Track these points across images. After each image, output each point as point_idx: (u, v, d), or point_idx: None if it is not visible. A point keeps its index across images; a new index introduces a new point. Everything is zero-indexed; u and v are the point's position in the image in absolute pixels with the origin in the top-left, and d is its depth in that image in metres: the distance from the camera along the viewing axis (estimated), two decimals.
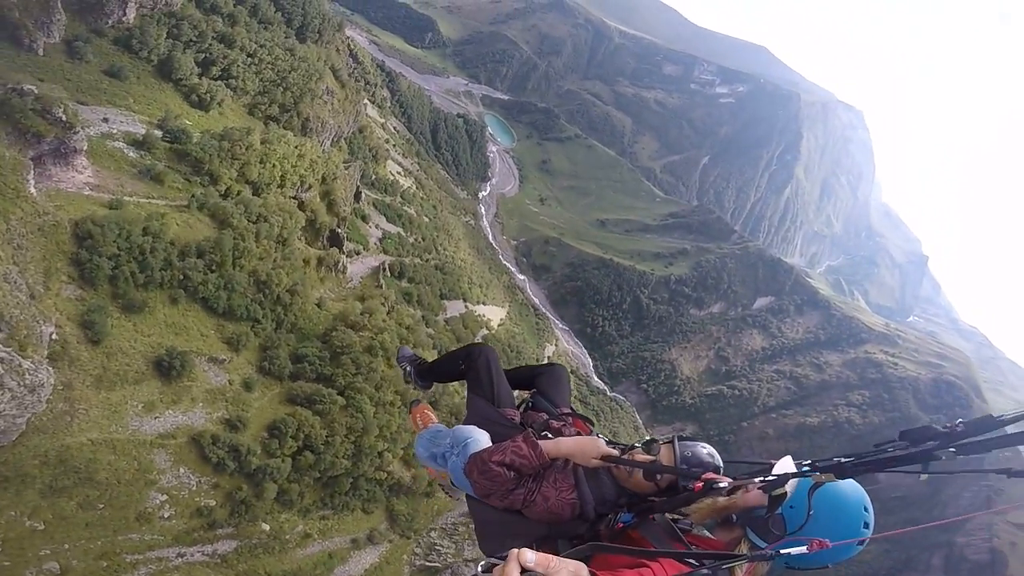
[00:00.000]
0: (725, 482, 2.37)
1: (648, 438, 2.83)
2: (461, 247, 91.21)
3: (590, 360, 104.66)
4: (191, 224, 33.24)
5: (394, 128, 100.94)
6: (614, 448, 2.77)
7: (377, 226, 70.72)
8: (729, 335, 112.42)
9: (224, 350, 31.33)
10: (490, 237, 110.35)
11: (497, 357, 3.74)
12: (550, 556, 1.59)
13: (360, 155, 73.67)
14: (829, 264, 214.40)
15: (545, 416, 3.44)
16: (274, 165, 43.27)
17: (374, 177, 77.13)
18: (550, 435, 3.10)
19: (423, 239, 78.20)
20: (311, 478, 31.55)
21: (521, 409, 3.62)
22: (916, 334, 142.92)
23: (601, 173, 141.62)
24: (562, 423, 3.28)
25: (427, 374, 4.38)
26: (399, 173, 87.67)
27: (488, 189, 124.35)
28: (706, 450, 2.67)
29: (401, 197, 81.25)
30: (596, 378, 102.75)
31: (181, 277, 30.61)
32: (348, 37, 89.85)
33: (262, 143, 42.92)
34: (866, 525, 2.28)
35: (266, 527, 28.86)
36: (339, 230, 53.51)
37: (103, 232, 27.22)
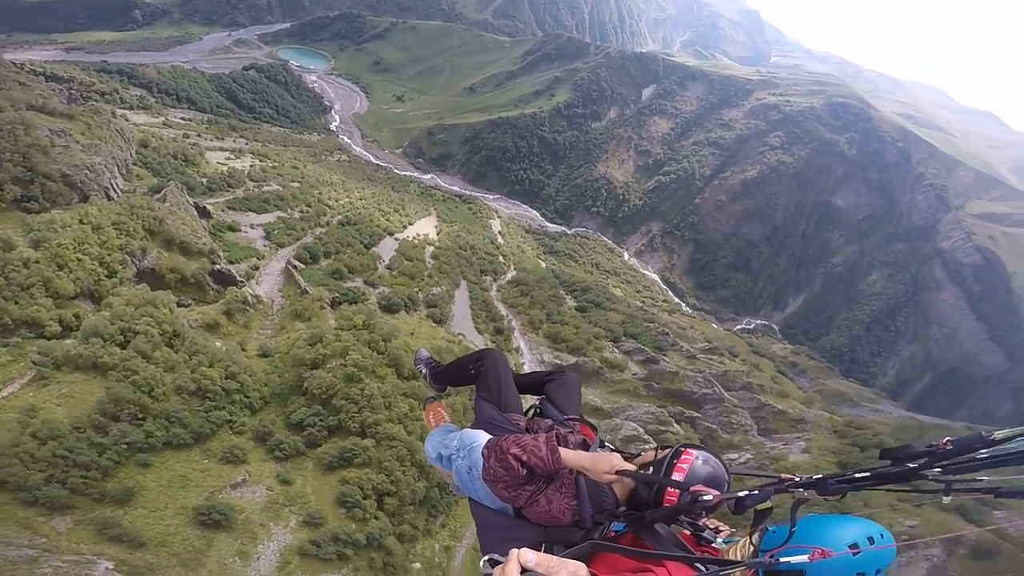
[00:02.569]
0: (711, 495, 2.27)
1: (655, 447, 2.73)
2: (350, 187, 79.91)
3: (535, 212, 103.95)
4: (68, 394, 27.94)
5: (182, 119, 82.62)
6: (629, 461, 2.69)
7: (252, 226, 57.07)
8: (637, 130, 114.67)
9: (232, 469, 29.00)
10: (373, 159, 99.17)
11: (507, 361, 3.69)
12: (550, 556, 1.69)
13: (168, 170, 58.49)
14: (681, 41, 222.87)
15: (551, 422, 3.40)
16: (79, 260, 34.48)
17: (204, 180, 61.39)
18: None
19: (308, 207, 65.66)
20: (409, 511, 31.24)
21: (529, 415, 3.56)
22: (786, 71, 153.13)
23: (440, 45, 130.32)
24: (568, 430, 3.18)
25: (441, 377, 4.27)
26: (229, 159, 71.48)
27: (337, 118, 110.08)
28: (700, 459, 2.48)
29: (251, 180, 66.54)
30: (551, 224, 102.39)
31: (124, 447, 26.59)
32: (22, 62, 69.80)
33: (37, 247, 32.86)
34: (854, 545, 2.03)
35: (417, 565, 29.57)
36: (217, 266, 42.74)
37: (9, 468, 23.54)
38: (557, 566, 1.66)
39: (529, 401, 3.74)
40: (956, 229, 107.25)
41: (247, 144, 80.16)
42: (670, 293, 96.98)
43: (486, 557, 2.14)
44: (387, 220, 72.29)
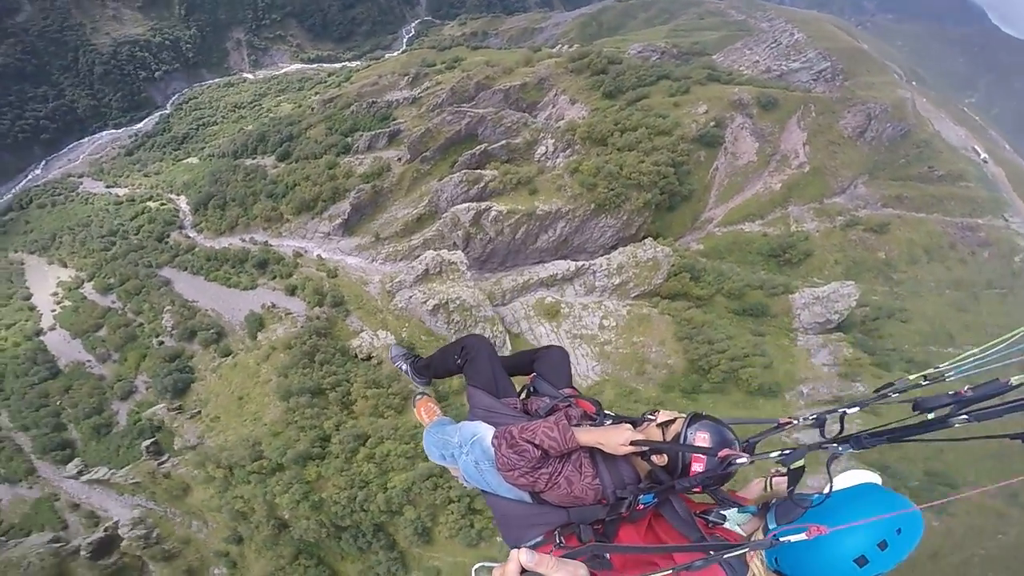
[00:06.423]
0: (744, 458, 2.21)
1: (664, 419, 2.56)
2: None
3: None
4: None
5: None
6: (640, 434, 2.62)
7: None
8: None
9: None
10: None
11: (492, 345, 3.54)
12: (550, 556, 1.70)
13: None
14: None
15: (548, 399, 3.28)
16: None
17: None
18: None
19: None
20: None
21: (523, 396, 3.44)
22: None
23: None
24: (567, 404, 3.16)
25: (424, 370, 4.08)
26: None
27: None
28: (695, 428, 2.43)
29: None
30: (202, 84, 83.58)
31: None
32: None
33: None
34: (860, 558, 1.89)
35: None
36: None
37: None
38: (557, 566, 1.66)
39: (521, 381, 3.53)
40: None
41: None
42: (326, 65, 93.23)
43: (476, 566, 2.10)
44: None
